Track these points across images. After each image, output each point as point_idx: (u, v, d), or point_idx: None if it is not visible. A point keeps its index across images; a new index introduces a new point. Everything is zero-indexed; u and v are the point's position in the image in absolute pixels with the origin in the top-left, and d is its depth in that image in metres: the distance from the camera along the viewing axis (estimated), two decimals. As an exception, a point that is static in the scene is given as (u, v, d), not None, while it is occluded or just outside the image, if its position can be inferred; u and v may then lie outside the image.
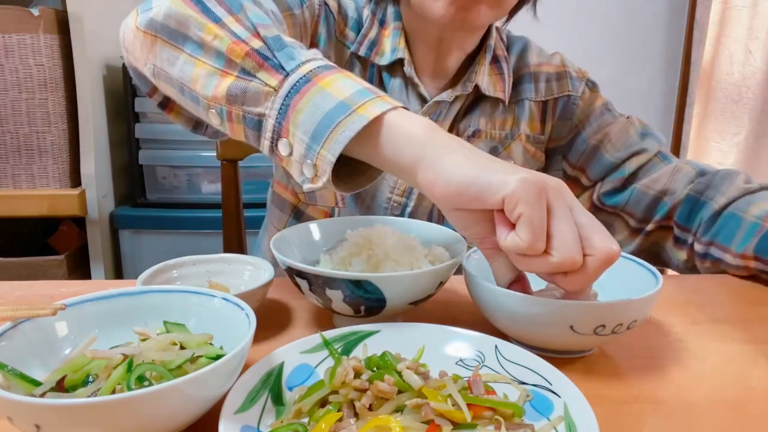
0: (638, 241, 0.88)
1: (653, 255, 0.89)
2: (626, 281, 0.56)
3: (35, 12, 1.50)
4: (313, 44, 0.83)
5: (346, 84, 0.47)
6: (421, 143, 0.46)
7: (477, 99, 0.87)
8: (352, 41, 0.85)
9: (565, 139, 0.92)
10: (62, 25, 1.54)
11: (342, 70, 0.50)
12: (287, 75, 0.47)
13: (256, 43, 0.49)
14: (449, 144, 0.47)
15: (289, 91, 0.47)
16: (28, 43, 1.49)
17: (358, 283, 0.50)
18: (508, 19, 0.88)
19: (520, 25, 0.94)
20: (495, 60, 0.87)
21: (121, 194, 1.89)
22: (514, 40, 0.93)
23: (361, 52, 0.84)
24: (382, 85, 0.85)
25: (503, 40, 0.91)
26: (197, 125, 0.65)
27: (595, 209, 0.90)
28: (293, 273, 0.53)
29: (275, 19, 0.58)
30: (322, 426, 0.38)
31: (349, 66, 0.85)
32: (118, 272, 1.96)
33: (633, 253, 0.75)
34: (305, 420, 0.40)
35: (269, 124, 0.48)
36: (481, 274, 0.53)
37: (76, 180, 1.64)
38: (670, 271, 0.92)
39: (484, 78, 0.85)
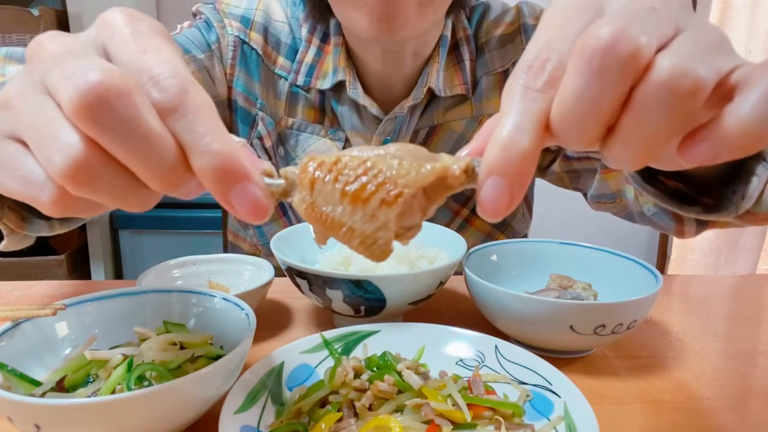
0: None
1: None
2: (626, 281, 0.56)
3: (35, 12, 1.50)
4: (230, 89, 0.78)
5: None
6: None
7: (436, 95, 0.76)
8: (289, 71, 0.77)
9: None
10: (62, 25, 1.54)
11: None
12: None
13: None
14: None
15: None
16: (28, 43, 1.49)
17: (358, 283, 0.50)
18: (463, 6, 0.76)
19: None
20: (455, 47, 0.77)
21: (121, 194, 1.88)
22: (474, 9, 0.80)
23: (299, 81, 0.76)
24: (333, 112, 0.77)
25: (468, 18, 0.79)
26: (66, 221, 0.54)
27: (569, 161, 0.80)
28: (293, 273, 0.53)
29: None
30: (322, 426, 0.38)
31: (291, 100, 0.77)
32: (118, 272, 1.97)
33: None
34: (305, 420, 0.40)
35: None
36: (481, 274, 0.53)
37: (76, 180, 1.63)
38: (670, 271, 0.92)
39: (439, 76, 0.74)
